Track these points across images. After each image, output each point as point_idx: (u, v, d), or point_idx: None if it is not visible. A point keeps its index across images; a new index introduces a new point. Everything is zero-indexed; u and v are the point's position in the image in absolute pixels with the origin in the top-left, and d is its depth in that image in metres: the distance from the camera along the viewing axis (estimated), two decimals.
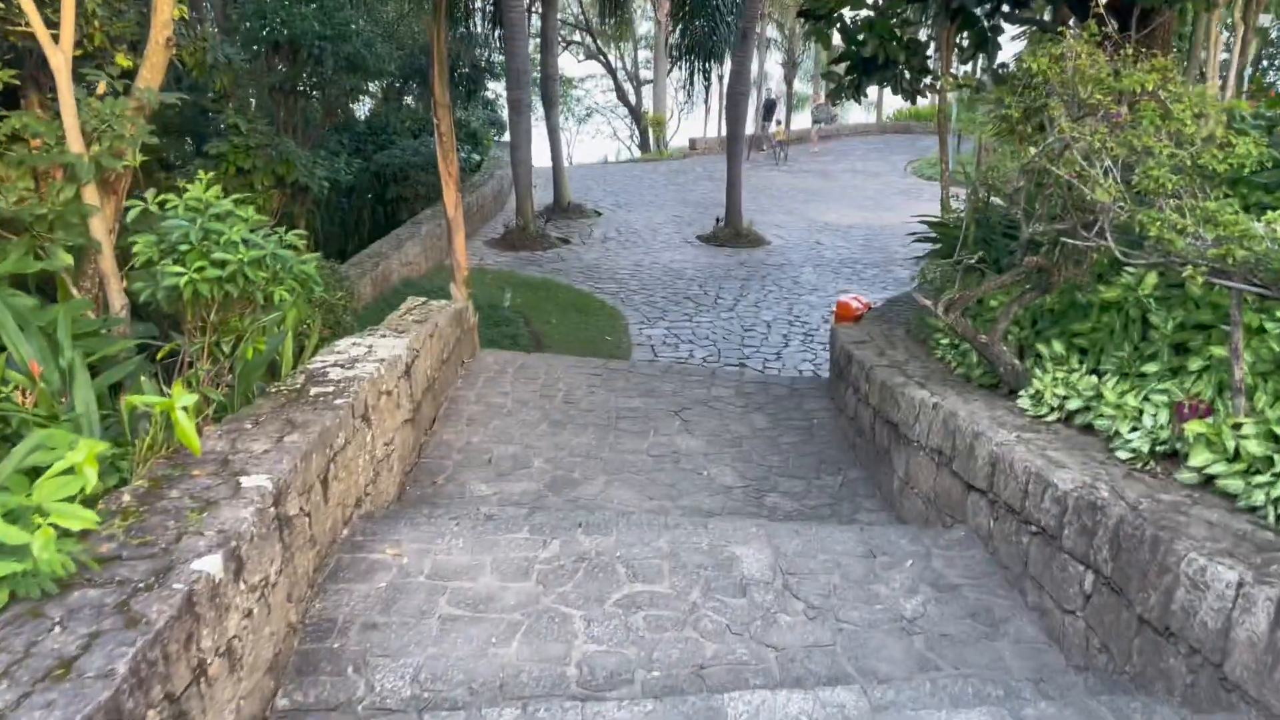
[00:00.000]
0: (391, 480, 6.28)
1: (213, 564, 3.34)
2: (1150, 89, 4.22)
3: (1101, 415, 4.88)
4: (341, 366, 6.07)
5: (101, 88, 8.37)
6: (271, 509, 4.03)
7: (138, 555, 3.37)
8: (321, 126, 15.91)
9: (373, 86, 24.92)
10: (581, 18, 38.56)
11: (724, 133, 36.88)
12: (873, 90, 51.33)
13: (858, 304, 11.18)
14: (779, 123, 32.17)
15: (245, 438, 4.62)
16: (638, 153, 39.53)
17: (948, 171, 8.29)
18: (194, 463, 4.26)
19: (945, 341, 6.98)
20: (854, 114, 51.81)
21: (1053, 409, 5.33)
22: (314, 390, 5.50)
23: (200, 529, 3.60)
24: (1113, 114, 4.17)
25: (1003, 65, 8.25)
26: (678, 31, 17.77)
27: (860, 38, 7.63)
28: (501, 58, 24.51)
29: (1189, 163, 4.06)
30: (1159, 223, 3.96)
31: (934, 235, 8.80)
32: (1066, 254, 5.41)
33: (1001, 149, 16.48)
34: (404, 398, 6.83)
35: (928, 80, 8.29)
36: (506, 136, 27.10)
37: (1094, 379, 5.29)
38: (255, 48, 14.12)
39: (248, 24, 14.02)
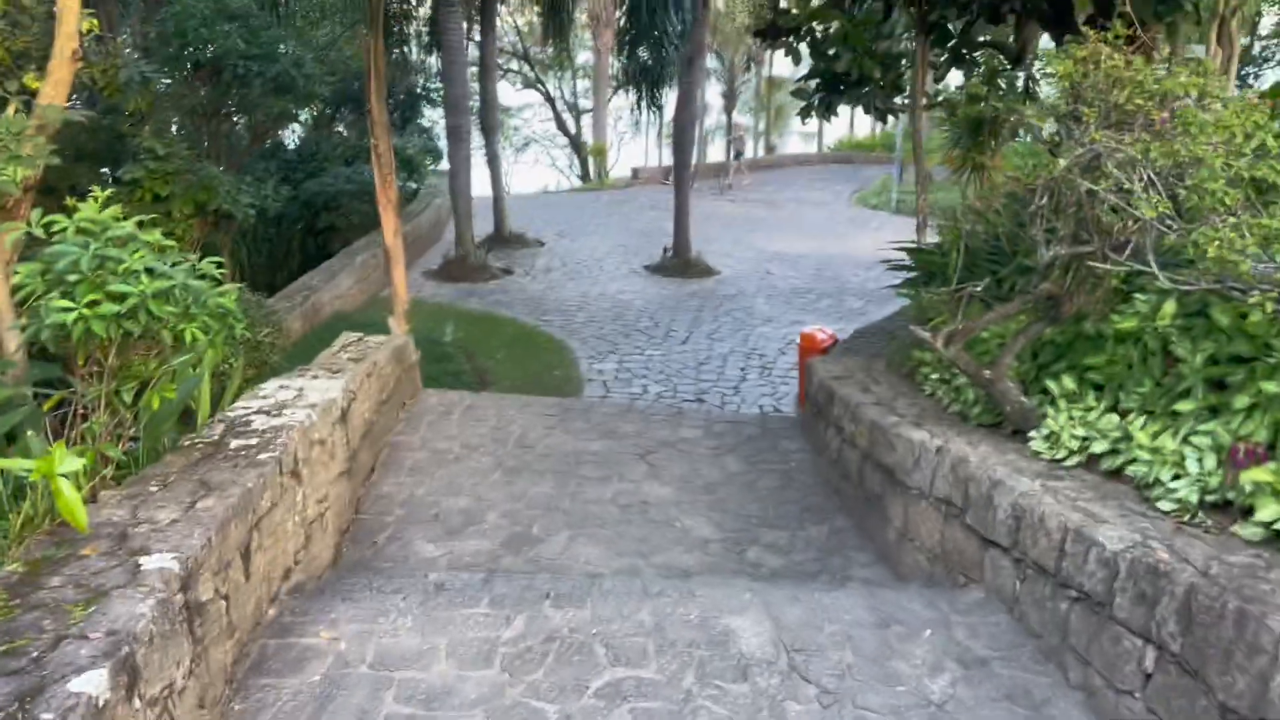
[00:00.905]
0: (326, 543, 5.51)
1: (96, 682, 2.60)
2: (1195, 93, 3.76)
3: (1136, 460, 4.36)
4: (267, 413, 5.31)
5: (12, 108, 7.56)
6: (179, 596, 3.29)
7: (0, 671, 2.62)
8: (247, 152, 15.04)
9: (304, 115, 24.09)
10: (519, 46, 38.07)
11: (665, 162, 36.58)
12: (812, 120, 51.61)
13: (823, 335, 10.68)
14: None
15: (150, 504, 3.87)
16: (578, 182, 39.04)
17: (924, 196, 7.83)
18: (84, 539, 3.50)
19: (935, 376, 6.46)
20: (793, 143, 52.08)
21: (1072, 452, 4.80)
22: (234, 443, 4.74)
23: (85, 630, 2.86)
24: (1161, 118, 3.70)
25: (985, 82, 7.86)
26: (624, 56, 17.31)
27: (832, 52, 7.17)
28: (438, 84, 23.86)
29: (1245, 175, 3.59)
30: (1217, 242, 3.46)
31: (909, 263, 8.34)
32: (1079, 280, 4.91)
33: (952, 178, 16.15)
34: (339, 447, 6.08)
35: (900, 99, 7.87)
36: (443, 165, 26.42)
37: (1115, 418, 4.79)
38: (176, 68, 13.27)
39: (169, 45, 13.15)
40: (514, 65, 39.32)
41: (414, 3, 20.44)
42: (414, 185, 21.86)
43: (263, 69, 13.00)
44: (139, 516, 3.74)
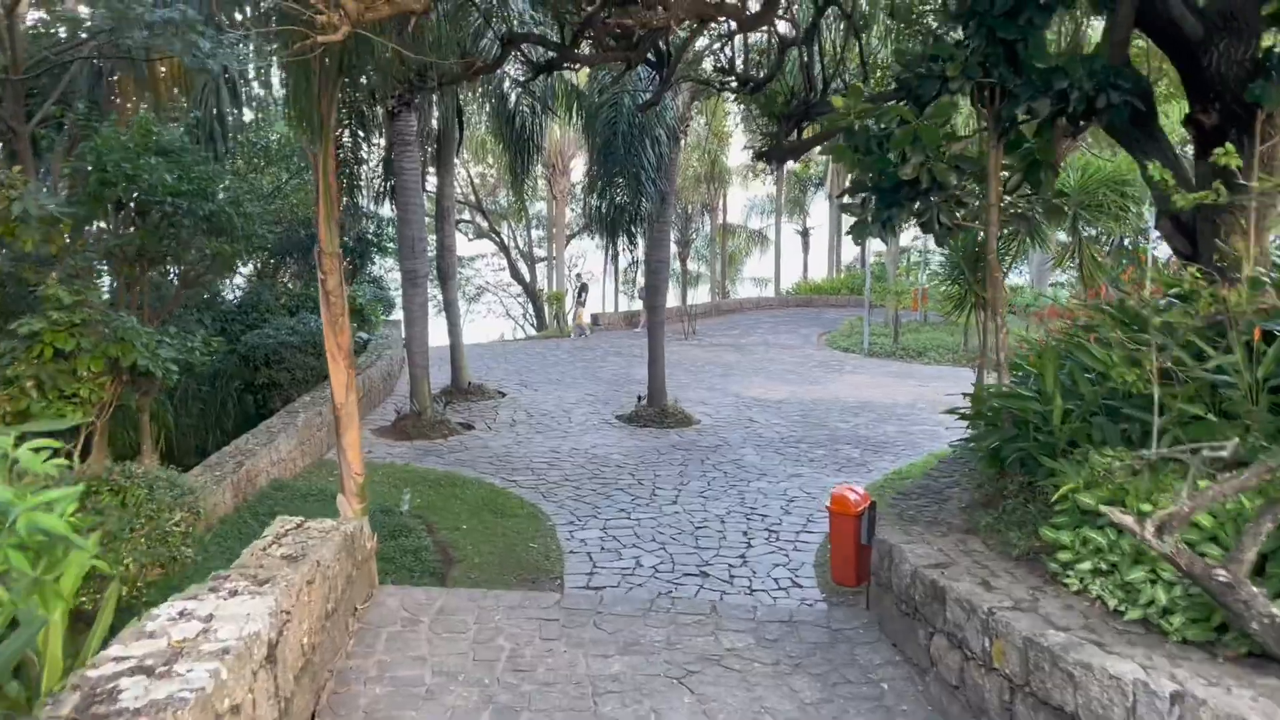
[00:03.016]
0: None
1: None
2: None
3: None
4: (149, 673, 3.45)
5: None
6: None
7: None
8: (176, 301, 13.34)
9: (247, 269, 22.60)
10: (472, 196, 37.37)
11: (623, 307, 35.60)
12: (768, 263, 51.33)
13: (855, 495, 9.04)
14: (581, 304, 31.07)
15: None
16: (533, 331, 37.81)
17: (1003, 329, 6.34)
18: None
19: (1086, 566, 4.78)
20: (745, 289, 51.77)
21: None
22: None
23: None
24: None
25: (1060, 193, 6.55)
26: (595, 194, 16.15)
27: (896, 154, 5.80)
28: (391, 230, 22.69)
29: None
30: None
31: (977, 412, 6.80)
32: None
33: (953, 316, 14.77)
34: (265, 701, 4.18)
35: (962, 213, 6.51)
36: (395, 315, 24.90)
37: None
38: (96, 208, 11.67)
39: (87, 182, 11.57)
40: (465, 215, 38.53)
41: (365, 148, 19.29)
42: (364, 336, 20.25)
43: (195, 207, 11.44)
44: None
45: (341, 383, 7.04)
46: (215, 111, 13.27)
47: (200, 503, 7.67)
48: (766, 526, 12.00)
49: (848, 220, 7.00)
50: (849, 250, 45.27)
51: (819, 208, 47.52)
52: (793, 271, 47.96)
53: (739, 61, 10.69)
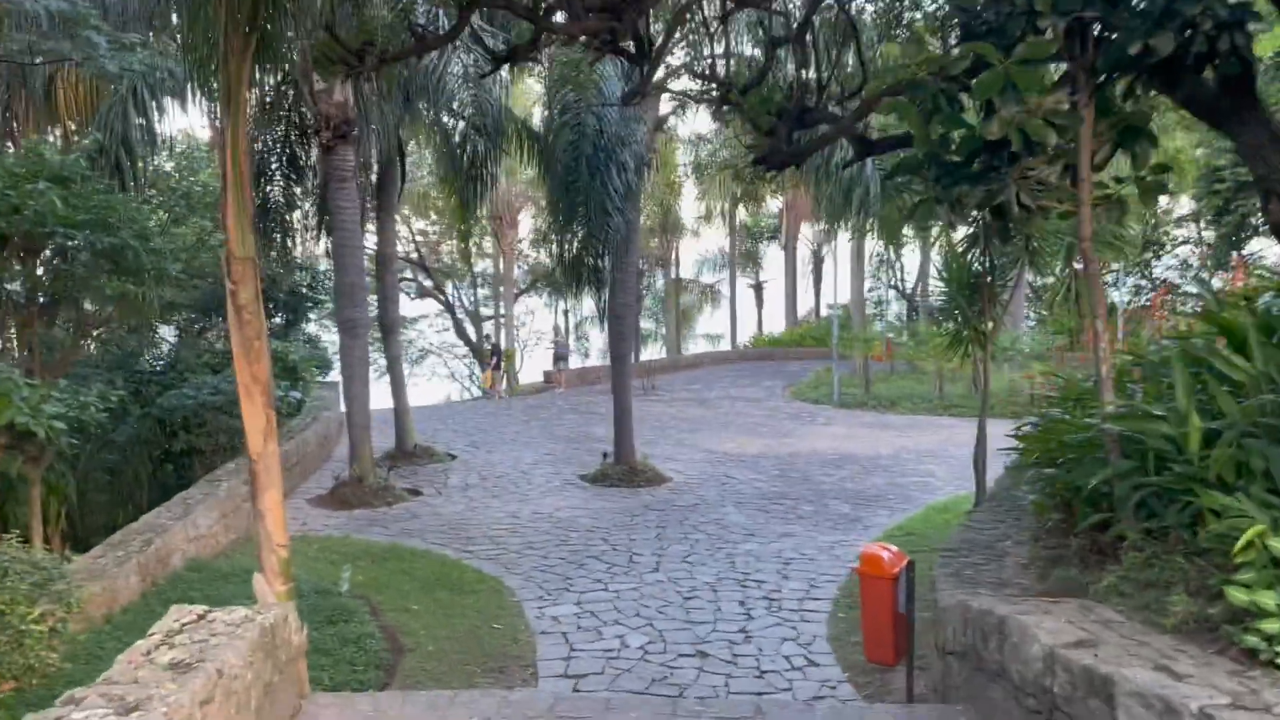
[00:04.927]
0: None
1: None
2: None
3: None
4: None
5: None
6: None
7: None
8: (72, 352, 11.59)
9: (169, 331, 20.79)
10: (414, 254, 35.82)
11: (571, 365, 34.14)
12: (720, 319, 50.29)
13: (888, 554, 7.63)
14: (495, 368, 30.32)
15: None
16: (479, 392, 36.11)
17: (1105, 340, 5.00)
18: None
19: None
20: (698, 345, 50.64)
21: None
22: None
23: None
24: None
25: (1163, 167, 5.31)
26: (559, 221, 14.72)
27: (979, 108, 4.55)
28: (326, 283, 21.08)
29: None
30: None
31: (1042, 445, 5.45)
32: None
33: (946, 355, 13.46)
34: None
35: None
36: (333, 375, 23.13)
37: None
38: None
39: None
40: (408, 273, 36.93)
41: (298, 192, 17.73)
42: (298, 395, 18.44)
43: (94, 240, 9.81)
44: None
45: (258, 427, 5.46)
46: (121, 134, 11.68)
47: (75, 592, 5.95)
48: (765, 594, 10.51)
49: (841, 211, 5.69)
50: (804, 302, 44.59)
51: (773, 259, 46.92)
52: (747, 326, 47.08)
53: (719, 67, 9.46)
